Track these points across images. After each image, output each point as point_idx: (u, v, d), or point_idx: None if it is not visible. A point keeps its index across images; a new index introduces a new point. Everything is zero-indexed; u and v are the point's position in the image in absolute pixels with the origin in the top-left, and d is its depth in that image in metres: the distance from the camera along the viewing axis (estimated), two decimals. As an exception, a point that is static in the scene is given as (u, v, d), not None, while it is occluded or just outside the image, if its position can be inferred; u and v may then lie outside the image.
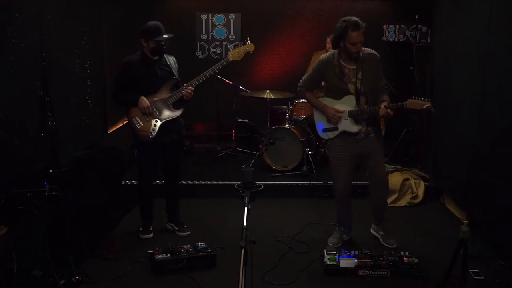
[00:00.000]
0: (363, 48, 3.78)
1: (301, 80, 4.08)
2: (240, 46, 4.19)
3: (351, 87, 3.81)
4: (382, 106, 3.71)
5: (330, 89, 3.95)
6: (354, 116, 3.83)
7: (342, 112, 3.85)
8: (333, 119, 3.88)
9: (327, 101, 3.94)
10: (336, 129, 3.90)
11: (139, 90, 4.01)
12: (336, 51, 3.83)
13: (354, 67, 3.78)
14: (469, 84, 4.50)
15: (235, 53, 4.15)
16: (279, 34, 7.16)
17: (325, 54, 3.93)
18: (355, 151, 3.91)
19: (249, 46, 4.19)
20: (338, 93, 3.86)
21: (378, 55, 3.85)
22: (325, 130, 3.98)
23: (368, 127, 3.88)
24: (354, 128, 3.85)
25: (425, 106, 3.58)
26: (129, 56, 4.06)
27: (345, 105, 3.85)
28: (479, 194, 4.21)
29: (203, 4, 7.23)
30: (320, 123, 4.01)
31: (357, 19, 3.65)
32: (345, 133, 3.89)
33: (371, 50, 3.84)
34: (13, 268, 3.02)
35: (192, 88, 4.02)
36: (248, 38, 4.26)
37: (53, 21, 4.04)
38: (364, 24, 3.66)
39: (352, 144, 3.90)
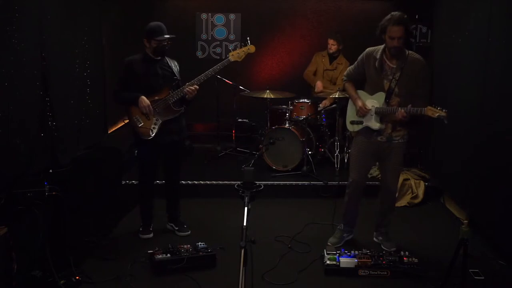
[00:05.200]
0: (413, 52, 3.76)
1: (346, 70, 4.09)
2: (241, 47, 4.22)
3: (386, 84, 3.77)
4: (400, 109, 3.65)
5: (368, 82, 3.93)
6: (380, 113, 3.80)
7: (370, 107, 3.84)
8: (359, 111, 3.87)
9: (361, 94, 3.93)
10: (361, 122, 3.90)
11: (139, 89, 4.02)
12: (383, 45, 3.77)
13: (395, 66, 3.73)
14: (469, 84, 4.50)
15: (236, 54, 4.16)
16: (279, 34, 7.15)
17: (373, 47, 3.86)
18: (375, 152, 3.91)
19: (250, 47, 4.21)
20: (374, 88, 3.84)
21: (424, 62, 3.76)
22: (352, 122, 3.98)
23: (393, 132, 3.84)
24: (375, 125, 3.82)
25: (437, 114, 3.51)
26: (131, 56, 4.10)
27: (375, 101, 3.82)
28: (479, 194, 4.21)
29: (203, 4, 7.22)
30: (350, 114, 4.01)
31: (402, 14, 3.59)
32: (368, 130, 3.87)
33: (419, 56, 3.76)
34: (13, 268, 3.02)
35: (197, 87, 4.04)
36: (248, 38, 4.26)
37: (53, 21, 4.03)
38: (410, 23, 3.59)
39: (373, 144, 3.88)
